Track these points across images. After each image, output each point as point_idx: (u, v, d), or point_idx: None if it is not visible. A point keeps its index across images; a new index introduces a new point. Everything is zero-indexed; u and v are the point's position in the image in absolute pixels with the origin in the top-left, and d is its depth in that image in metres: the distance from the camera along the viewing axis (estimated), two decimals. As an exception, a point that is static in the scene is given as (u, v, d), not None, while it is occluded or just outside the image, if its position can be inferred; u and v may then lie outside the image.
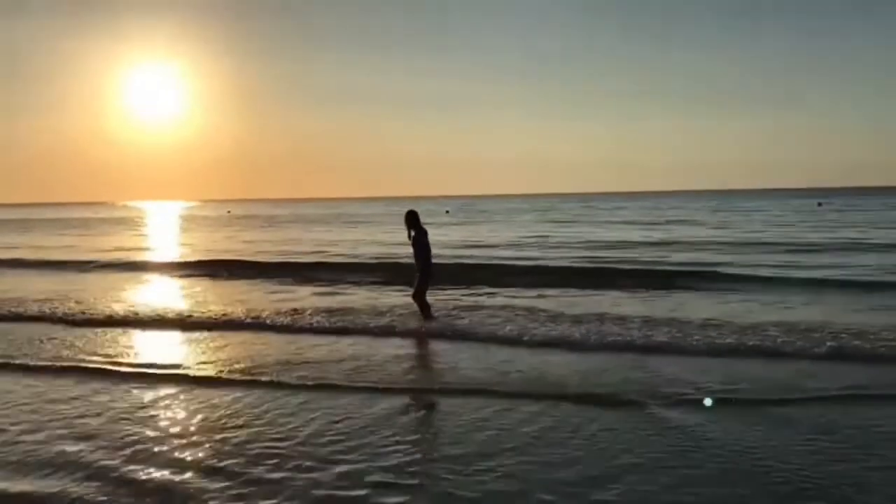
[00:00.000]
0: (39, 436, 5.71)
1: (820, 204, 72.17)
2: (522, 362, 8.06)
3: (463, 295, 13.48)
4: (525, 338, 9.38)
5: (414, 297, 11.09)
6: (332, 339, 9.67)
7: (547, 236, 31.49)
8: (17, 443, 5.57)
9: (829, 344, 8.37)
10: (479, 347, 8.97)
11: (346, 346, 9.16)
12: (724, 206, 76.87)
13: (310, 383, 7.25)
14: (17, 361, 8.52)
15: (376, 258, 21.34)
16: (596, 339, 9.16)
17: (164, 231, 46.14)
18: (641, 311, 11.18)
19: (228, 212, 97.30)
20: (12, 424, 6.03)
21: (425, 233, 11.01)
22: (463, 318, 10.82)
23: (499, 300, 12.81)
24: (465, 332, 9.79)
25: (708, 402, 6.50)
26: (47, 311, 12.13)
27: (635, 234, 31.23)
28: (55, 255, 24.95)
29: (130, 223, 61.21)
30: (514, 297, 13.20)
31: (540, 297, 13.12)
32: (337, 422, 5.93)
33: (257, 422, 5.97)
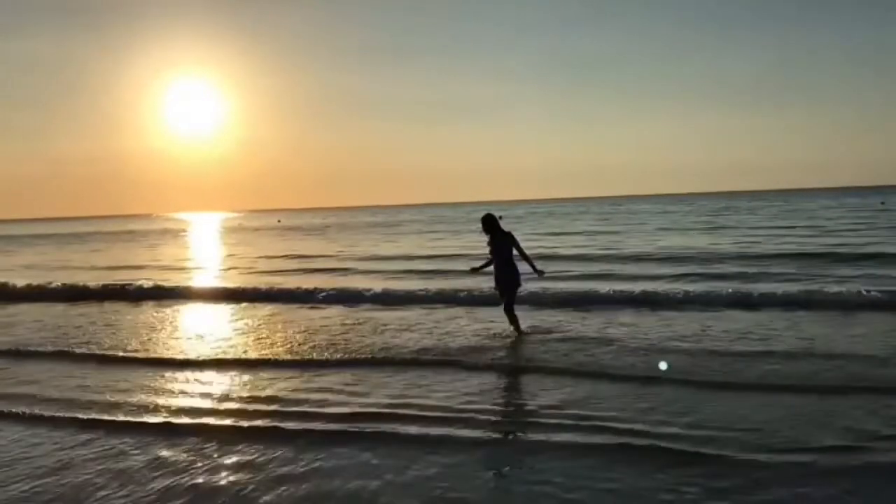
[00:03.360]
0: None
1: (882, 203, 69.43)
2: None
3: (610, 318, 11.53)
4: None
5: (505, 310, 10.24)
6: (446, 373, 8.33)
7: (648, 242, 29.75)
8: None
9: None
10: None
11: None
12: (784, 207, 73.61)
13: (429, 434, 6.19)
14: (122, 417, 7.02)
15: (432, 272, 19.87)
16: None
17: (222, 243, 45.69)
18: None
19: (279, 221, 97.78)
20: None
21: (509, 236, 10.03)
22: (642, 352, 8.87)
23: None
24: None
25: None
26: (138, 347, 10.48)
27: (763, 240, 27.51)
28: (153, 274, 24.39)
29: (186, 235, 61.51)
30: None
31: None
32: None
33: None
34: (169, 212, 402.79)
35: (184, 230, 75.59)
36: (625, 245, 27.96)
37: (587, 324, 11.12)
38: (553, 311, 12.44)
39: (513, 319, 10.22)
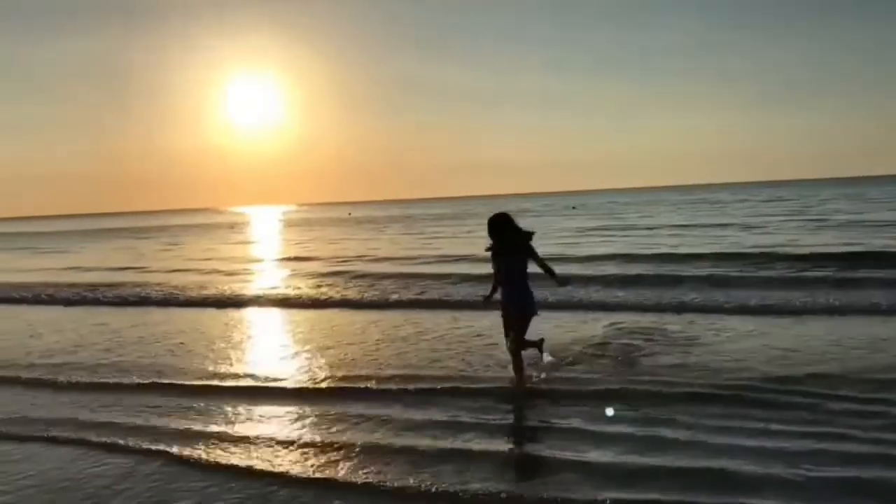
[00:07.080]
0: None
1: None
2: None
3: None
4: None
5: (515, 348, 7.29)
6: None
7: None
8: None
9: None
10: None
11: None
12: (851, 194, 68.55)
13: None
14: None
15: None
16: None
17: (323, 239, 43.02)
18: None
19: (349, 213, 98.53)
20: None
21: (524, 243, 7.11)
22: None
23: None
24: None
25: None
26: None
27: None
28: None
29: (281, 229, 60.80)
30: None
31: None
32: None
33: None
34: (230, 206, 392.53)
35: (252, 223, 74.92)
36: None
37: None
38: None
39: (518, 365, 7.30)
